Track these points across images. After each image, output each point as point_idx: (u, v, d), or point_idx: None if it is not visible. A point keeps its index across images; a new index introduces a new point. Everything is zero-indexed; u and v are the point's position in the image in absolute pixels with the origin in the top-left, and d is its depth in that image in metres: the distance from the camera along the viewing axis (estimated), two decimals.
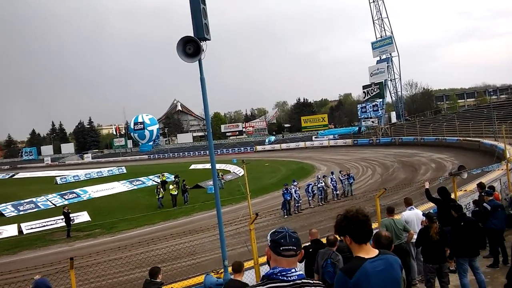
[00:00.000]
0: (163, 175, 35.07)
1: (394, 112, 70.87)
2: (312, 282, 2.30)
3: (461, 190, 11.55)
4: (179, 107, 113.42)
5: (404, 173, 30.23)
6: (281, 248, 2.25)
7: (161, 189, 24.74)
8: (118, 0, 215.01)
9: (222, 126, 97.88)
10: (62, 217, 21.29)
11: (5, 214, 27.15)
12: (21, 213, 27.57)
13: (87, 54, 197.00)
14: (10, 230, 21.89)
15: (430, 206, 9.74)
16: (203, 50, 6.04)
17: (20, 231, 21.90)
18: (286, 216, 19.68)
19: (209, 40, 6.25)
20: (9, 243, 19.81)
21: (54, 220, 22.78)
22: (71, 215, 21.31)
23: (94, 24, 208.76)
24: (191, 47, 5.96)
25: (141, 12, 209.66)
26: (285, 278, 2.22)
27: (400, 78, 67.94)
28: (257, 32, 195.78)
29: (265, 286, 2.22)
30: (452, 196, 9.40)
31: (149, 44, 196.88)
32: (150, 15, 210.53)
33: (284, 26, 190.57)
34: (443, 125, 51.09)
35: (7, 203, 28.82)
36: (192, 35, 6.08)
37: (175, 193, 26.52)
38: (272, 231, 2.38)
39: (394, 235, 7.46)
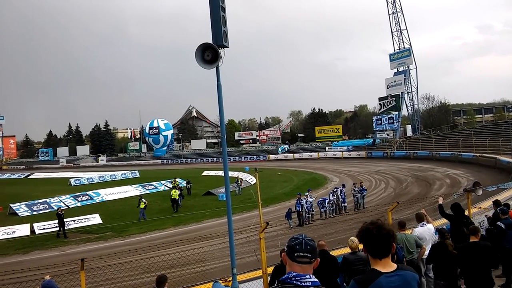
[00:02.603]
0: (175, 181, 35.19)
1: (409, 126, 70.10)
2: None
3: (475, 207, 11.35)
4: (194, 113, 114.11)
5: (417, 187, 29.86)
6: (295, 254, 2.29)
7: (142, 199, 24.75)
8: (136, 4, 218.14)
9: (236, 134, 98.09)
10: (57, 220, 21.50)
11: (19, 214, 27.54)
12: (34, 213, 27.92)
13: (106, 58, 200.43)
14: (23, 230, 22.18)
15: (443, 222, 9.58)
16: (221, 57, 6.09)
17: (32, 231, 22.17)
18: (291, 227, 19.57)
19: (227, 47, 6.30)
20: (21, 243, 20.07)
21: (66, 222, 22.95)
22: (70, 219, 21.65)
23: (112, 28, 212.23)
24: (209, 54, 6.02)
25: (158, 17, 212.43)
26: (299, 283, 2.24)
27: (417, 91, 67.43)
28: (273, 41, 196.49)
29: None
30: (466, 212, 9.23)
31: (166, 49, 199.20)
32: (168, 20, 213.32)
33: (301, 35, 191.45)
34: (460, 140, 50.41)
35: (21, 203, 29.24)
36: (211, 41, 6.15)
37: (177, 198, 27.08)
38: (291, 237, 2.41)
39: (405, 250, 7.36)
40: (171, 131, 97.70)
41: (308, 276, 2.27)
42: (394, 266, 2.62)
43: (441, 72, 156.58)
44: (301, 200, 20.35)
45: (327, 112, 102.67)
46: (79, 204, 31.35)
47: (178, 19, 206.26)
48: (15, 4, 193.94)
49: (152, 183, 39.87)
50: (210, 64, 5.93)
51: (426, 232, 7.95)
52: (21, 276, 5.76)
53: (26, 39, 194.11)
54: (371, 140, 72.12)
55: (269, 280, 6.80)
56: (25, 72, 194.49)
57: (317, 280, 2.30)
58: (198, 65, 5.86)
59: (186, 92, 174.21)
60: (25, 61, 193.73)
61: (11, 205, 28.61)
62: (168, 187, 37.09)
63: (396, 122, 65.31)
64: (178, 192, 27.76)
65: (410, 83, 66.44)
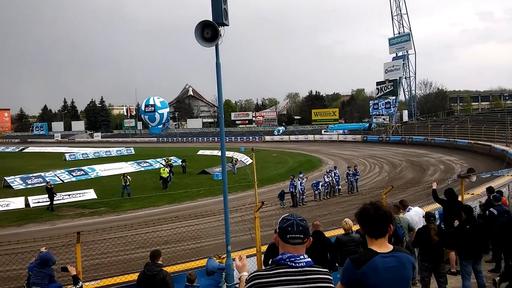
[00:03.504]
0: (168, 159, 35.11)
1: (406, 111, 70.21)
2: (320, 270, 2.33)
3: (468, 193, 11.47)
4: (190, 92, 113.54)
5: (411, 172, 30.09)
6: (287, 236, 2.30)
7: (128, 177, 24.60)
8: None
9: (232, 114, 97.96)
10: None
11: (13, 187, 27.58)
12: (29, 186, 27.93)
13: (103, 34, 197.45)
14: (18, 203, 22.21)
15: (436, 207, 9.70)
16: (220, 35, 6.02)
17: (27, 204, 22.22)
18: (283, 207, 19.74)
19: (227, 25, 6.22)
20: (15, 215, 20.14)
21: (61, 196, 23.03)
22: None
23: (110, 4, 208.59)
24: (209, 32, 5.93)
25: None
26: (293, 264, 2.26)
27: (415, 77, 67.16)
28: (273, 22, 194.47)
29: (272, 271, 2.27)
30: (459, 198, 9.35)
31: (164, 26, 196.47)
32: None
33: (301, 18, 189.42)
34: (455, 127, 50.62)
35: (16, 176, 29.23)
36: (211, 19, 6.06)
37: (167, 176, 27.29)
38: (281, 217, 2.40)
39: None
40: (167, 109, 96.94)
41: (302, 257, 2.29)
42: (390, 247, 2.66)
43: (440, 58, 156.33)
44: (295, 181, 20.48)
45: (324, 95, 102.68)
46: (73, 179, 31.41)
47: None
48: None
49: (147, 160, 39.94)
50: (210, 42, 5.86)
51: (415, 215, 8.08)
52: (17, 247, 5.80)
53: (22, 15, 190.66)
54: (367, 124, 72.23)
55: (263, 258, 6.90)
56: (21, 47, 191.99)
57: (311, 260, 2.33)
58: (197, 42, 5.79)
59: (183, 71, 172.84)
60: (22, 37, 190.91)
61: (6, 178, 28.60)
62: (163, 164, 37.10)
63: (393, 107, 65.26)
64: (167, 169, 27.97)
65: (409, 68, 66.17)
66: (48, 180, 24.99)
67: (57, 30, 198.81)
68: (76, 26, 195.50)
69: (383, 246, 2.65)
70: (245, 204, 9.25)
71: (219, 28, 5.98)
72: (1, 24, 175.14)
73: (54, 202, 21.45)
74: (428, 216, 6.99)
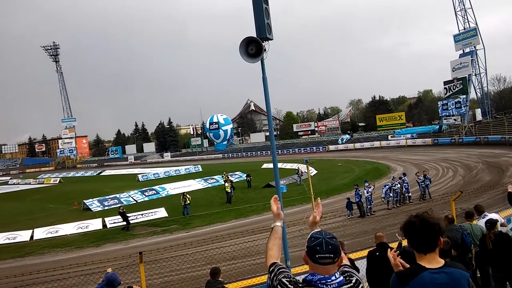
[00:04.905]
0: (226, 175, 35.45)
1: (479, 109, 65.72)
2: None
3: None
4: (252, 107, 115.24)
5: (489, 175, 27.99)
6: (317, 256, 2.19)
7: (187, 196, 25.07)
8: (194, 3, 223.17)
9: (294, 126, 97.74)
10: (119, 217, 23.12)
11: (92, 209, 29.38)
12: (106, 208, 29.66)
13: (167, 57, 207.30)
14: (96, 224, 23.71)
15: None
16: (265, 50, 6.05)
17: (104, 225, 23.64)
18: (349, 217, 19.19)
19: (271, 40, 6.25)
20: (94, 236, 21.48)
21: (135, 216, 24.21)
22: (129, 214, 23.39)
23: (172, 28, 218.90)
24: (253, 48, 6.00)
25: (215, 14, 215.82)
26: (324, 286, 2.16)
27: (486, 73, 62.78)
28: (331, 29, 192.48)
29: None
30: None
31: (223, 45, 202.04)
32: (224, 16, 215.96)
33: (360, 22, 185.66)
34: None
35: (94, 199, 31.23)
36: (255, 35, 6.12)
37: (229, 191, 27.70)
38: (309, 235, 2.31)
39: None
40: (231, 126, 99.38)
41: (333, 278, 2.18)
42: (441, 262, 2.46)
43: None
44: (359, 191, 19.90)
45: (388, 99, 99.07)
46: (146, 199, 32.87)
47: (236, 14, 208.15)
48: (84, 10, 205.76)
49: (213, 176, 40.81)
50: (254, 58, 5.91)
51: None
52: (86, 269, 6.13)
53: (93, 44, 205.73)
54: (437, 127, 68.59)
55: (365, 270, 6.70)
56: (94, 75, 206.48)
57: (343, 279, 2.21)
58: (242, 59, 5.86)
59: (244, 87, 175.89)
60: (93, 65, 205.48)
61: (85, 201, 30.58)
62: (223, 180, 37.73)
63: (464, 106, 61.49)
64: (229, 185, 28.32)
65: (478, 65, 62.15)
66: (120, 205, 26.45)
67: (125, 57, 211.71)
68: (142, 51, 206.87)
69: (433, 261, 2.45)
70: (303, 218, 9.08)
71: (263, 43, 6.02)
72: (75, 54, 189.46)
73: (133, 222, 22.73)
74: (486, 223, 6.49)
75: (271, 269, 2.38)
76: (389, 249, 2.81)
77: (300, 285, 2.23)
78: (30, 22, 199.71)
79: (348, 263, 2.50)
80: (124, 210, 23.52)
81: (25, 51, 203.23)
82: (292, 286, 2.21)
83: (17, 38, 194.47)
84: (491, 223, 6.46)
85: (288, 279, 2.25)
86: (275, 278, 2.30)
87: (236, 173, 40.15)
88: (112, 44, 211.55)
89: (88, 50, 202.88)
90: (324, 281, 2.17)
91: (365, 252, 7.32)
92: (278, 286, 2.25)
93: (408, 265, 2.69)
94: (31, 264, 16.43)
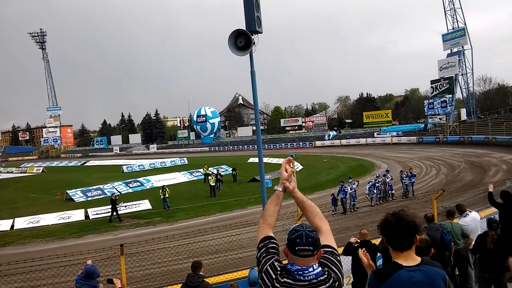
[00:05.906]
0: (207, 168, 35.25)
1: (464, 109, 66.57)
2: (328, 280, 2.21)
3: None
4: (240, 101, 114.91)
5: (471, 174, 28.44)
6: (296, 248, 2.20)
7: (167, 189, 24.77)
8: None
9: (282, 121, 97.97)
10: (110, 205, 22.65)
11: (75, 199, 29.03)
12: (89, 199, 29.34)
13: (156, 49, 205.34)
14: (78, 215, 23.41)
15: (494, 211, 9.05)
16: (254, 43, 5.99)
17: (86, 216, 23.34)
18: (334, 213, 19.33)
19: (261, 33, 6.19)
20: (76, 227, 21.22)
21: (118, 207, 23.93)
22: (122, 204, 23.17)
23: (163, 20, 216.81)
24: (242, 40, 5.94)
25: (206, 8, 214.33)
26: (301, 278, 2.17)
27: (473, 73, 63.51)
28: (321, 26, 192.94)
29: (283, 279, 2.19)
30: None
31: (213, 38, 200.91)
32: (215, 10, 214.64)
33: (349, 19, 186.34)
34: None
35: (77, 189, 30.84)
36: (244, 28, 6.05)
37: (213, 184, 27.76)
38: (291, 228, 2.31)
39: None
40: (218, 119, 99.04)
41: (310, 269, 2.18)
42: (417, 260, 2.46)
43: (500, 52, 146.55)
44: (345, 187, 20.02)
45: (376, 96, 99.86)
46: (130, 190, 32.60)
47: (227, 8, 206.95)
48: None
49: (199, 169, 40.61)
50: (243, 50, 5.85)
51: (471, 221, 7.55)
52: (65, 260, 6.04)
53: (83, 33, 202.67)
54: (423, 125, 69.39)
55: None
56: (80, 65, 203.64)
57: (321, 270, 2.21)
58: (231, 52, 5.79)
59: (234, 80, 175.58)
60: (80, 54, 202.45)
61: (68, 191, 30.17)
62: (213, 172, 37.52)
63: (450, 106, 62.20)
64: (213, 178, 28.40)
65: (465, 65, 62.88)
66: (113, 193, 25.80)
67: (113, 48, 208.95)
68: (130, 41, 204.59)
69: (409, 259, 2.46)
70: (286, 213, 9.10)
71: (253, 36, 5.95)
72: (61, 43, 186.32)
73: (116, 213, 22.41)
74: (490, 223, 6.47)
75: (263, 243, 2.42)
76: (360, 249, 2.81)
77: (279, 273, 2.22)
78: (18, 7, 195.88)
79: (334, 250, 2.45)
80: (117, 197, 23.20)
81: (13, 37, 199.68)
82: (274, 276, 2.21)
83: (2, 22, 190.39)
84: (496, 223, 6.50)
85: (278, 264, 2.27)
86: (265, 255, 2.33)
87: (222, 166, 40.03)
88: (101, 35, 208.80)
89: (77, 40, 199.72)
90: (301, 272, 2.17)
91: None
92: (268, 267, 2.26)
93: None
94: (11, 254, 16.18)
